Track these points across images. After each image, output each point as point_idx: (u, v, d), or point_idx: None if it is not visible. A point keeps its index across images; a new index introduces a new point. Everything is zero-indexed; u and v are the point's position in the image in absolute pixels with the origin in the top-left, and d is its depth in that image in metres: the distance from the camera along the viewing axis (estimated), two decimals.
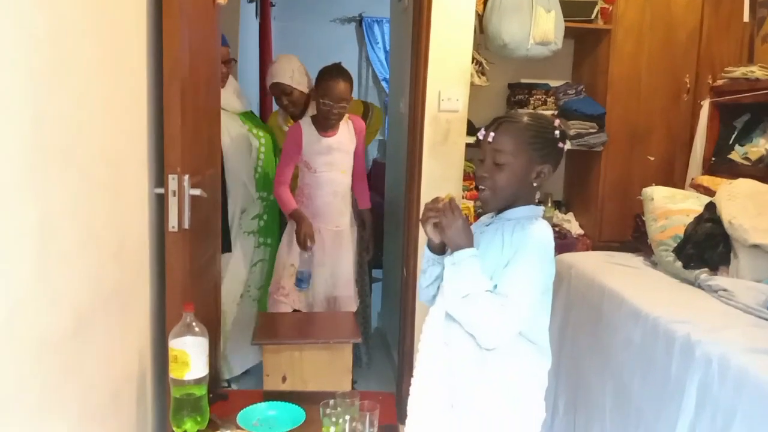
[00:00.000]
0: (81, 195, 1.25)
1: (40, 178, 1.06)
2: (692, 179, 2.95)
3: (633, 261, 2.62)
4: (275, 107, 3.32)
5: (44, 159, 1.08)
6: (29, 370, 1.04)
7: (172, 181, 1.69)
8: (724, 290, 2.05)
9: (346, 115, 2.91)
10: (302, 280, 2.75)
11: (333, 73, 2.80)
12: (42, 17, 1.06)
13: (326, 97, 2.76)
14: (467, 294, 1.38)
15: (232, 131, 2.97)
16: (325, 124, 2.85)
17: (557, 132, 1.49)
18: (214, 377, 1.77)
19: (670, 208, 2.49)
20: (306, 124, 2.87)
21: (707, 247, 2.25)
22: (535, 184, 1.50)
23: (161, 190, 1.72)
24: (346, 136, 2.90)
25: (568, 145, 1.53)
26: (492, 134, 1.48)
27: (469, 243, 1.43)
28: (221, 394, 1.93)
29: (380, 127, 3.75)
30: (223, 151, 2.84)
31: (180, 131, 1.69)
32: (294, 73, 3.06)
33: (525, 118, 1.52)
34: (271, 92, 3.13)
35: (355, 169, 2.99)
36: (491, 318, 1.36)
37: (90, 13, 1.28)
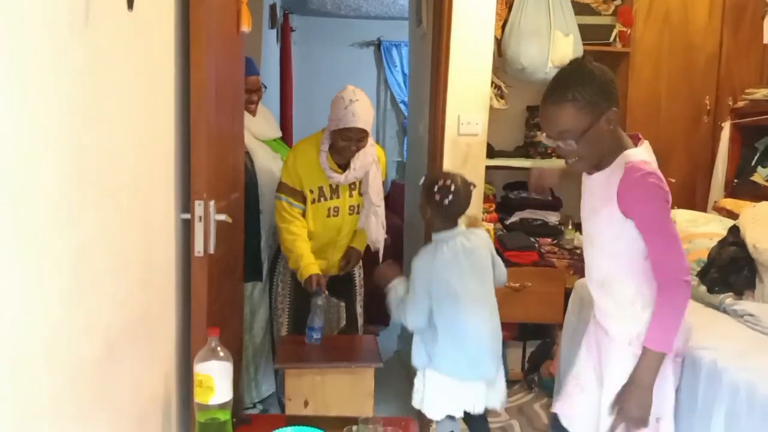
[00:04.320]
0: (113, 223, 1.28)
1: (76, 208, 1.09)
2: (715, 202, 2.93)
3: None
4: (324, 150, 2.53)
5: (81, 188, 1.11)
6: (64, 395, 1.06)
7: (198, 207, 1.72)
8: (750, 315, 2.02)
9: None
10: (313, 330, 2.38)
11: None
12: (80, 50, 1.10)
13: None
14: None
15: (265, 161, 2.91)
16: None
17: (437, 195, 2.05)
18: (237, 400, 1.78)
19: (693, 231, 2.47)
20: None
21: (731, 271, 2.22)
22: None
23: (187, 216, 1.75)
24: None
25: (447, 200, 2.05)
26: None
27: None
28: (244, 419, 1.93)
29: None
30: (258, 180, 2.81)
31: (206, 158, 1.73)
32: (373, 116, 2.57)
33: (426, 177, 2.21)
34: (343, 136, 2.44)
35: None
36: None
37: (124, 45, 1.32)
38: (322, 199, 2.58)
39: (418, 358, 2.17)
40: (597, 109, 1.51)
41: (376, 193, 2.60)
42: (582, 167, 1.64)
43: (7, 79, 0.86)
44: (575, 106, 1.51)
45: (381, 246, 2.71)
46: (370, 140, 2.58)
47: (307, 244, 2.55)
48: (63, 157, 1.04)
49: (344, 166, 2.54)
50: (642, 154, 1.58)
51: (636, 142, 1.64)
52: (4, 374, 0.87)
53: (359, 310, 2.84)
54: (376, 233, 2.64)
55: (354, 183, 2.60)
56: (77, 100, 1.09)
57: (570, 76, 1.55)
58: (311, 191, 2.56)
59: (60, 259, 1.04)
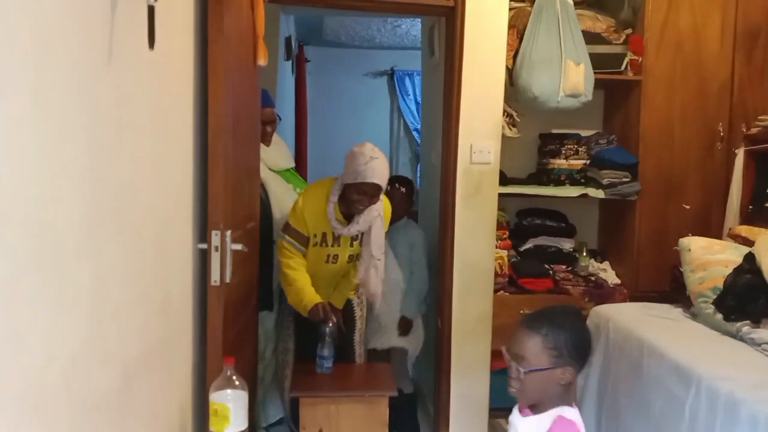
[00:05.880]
0: (133, 254, 1.30)
1: (97, 240, 1.12)
2: (730, 229, 2.92)
3: (672, 313, 2.58)
4: (333, 201, 2.56)
5: (102, 221, 1.14)
6: (84, 424, 1.08)
7: (215, 237, 1.74)
8: None
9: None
10: (324, 358, 2.41)
11: None
12: (104, 87, 1.13)
13: None
14: None
15: (277, 190, 2.95)
16: None
17: None
18: (251, 428, 1.78)
19: (708, 259, 2.46)
20: None
21: (748, 299, 2.21)
22: None
23: (204, 246, 1.77)
24: None
25: None
26: None
27: None
28: None
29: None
30: (271, 211, 2.85)
31: (223, 189, 1.76)
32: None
33: None
34: (359, 189, 2.47)
35: None
36: None
37: (145, 81, 1.36)
38: (323, 244, 2.61)
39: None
40: (560, 359, 1.47)
41: (377, 247, 2.62)
42: (520, 398, 1.55)
43: (32, 115, 0.89)
44: (543, 342, 1.47)
45: (378, 300, 2.73)
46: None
47: (307, 278, 2.57)
48: (85, 191, 1.07)
49: (349, 217, 2.57)
50: (575, 415, 1.52)
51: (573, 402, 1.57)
52: (26, 403, 0.89)
53: (357, 338, 2.83)
54: (375, 287, 2.66)
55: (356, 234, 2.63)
56: (100, 135, 1.12)
57: (557, 316, 1.53)
58: (315, 235, 2.59)
59: (80, 290, 1.06)
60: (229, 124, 1.81)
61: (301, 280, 2.55)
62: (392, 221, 2.76)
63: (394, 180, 2.73)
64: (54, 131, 0.95)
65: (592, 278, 3.26)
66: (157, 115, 1.46)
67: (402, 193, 3.14)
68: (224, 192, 1.76)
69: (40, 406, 0.93)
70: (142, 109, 1.35)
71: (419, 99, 6.35)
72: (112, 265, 1.20)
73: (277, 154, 3.04)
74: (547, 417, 1.49)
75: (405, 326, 3.15)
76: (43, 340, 0.93)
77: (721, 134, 3.18)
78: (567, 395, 1.50)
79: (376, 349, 3.06)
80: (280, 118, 3.10)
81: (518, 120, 3.20)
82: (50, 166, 0.95)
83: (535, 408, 1.51)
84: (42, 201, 0.92)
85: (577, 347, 1.48)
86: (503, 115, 3.03)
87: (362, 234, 2.61)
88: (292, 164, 3.25)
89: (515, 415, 1.56)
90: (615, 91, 3.40)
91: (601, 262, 3.41)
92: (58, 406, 0.99)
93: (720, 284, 2.33)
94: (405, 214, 3.23)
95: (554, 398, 1.49)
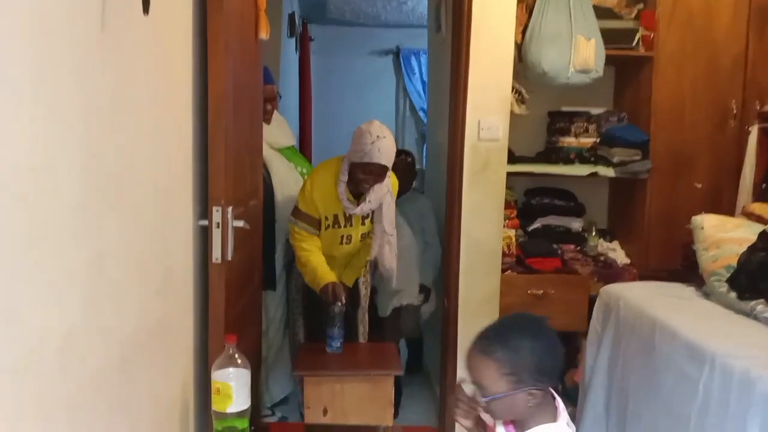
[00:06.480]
0: (132, 231, 1.27)
1: (95, 216, 1.08)
2: (743, 207, 2.86)
3: (684, 291, 2.53)
4: (343, 181, 2.53)
5: (99, 197, 1.10)
6: (81, 403, 1.05)
7: (216, 213, 1.71)
8: None
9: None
10: (333, 338, 2.38)
11: None
12: (98, 57, 1.09)
13: None
14: None
15: (279, 169, 2.93)
16: None
17: None
18: (255, 407, 1.76)
19: (721, 236, 2.41)
20: None
21: (762, 277, 2.16)
22: None
23: (205, 222, 1.74)
24: None
25: None
26: None
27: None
28: (263, 426, 1.91)
29: None
30: (274, 189, 2.83)
31: (224, 165, 1.72)
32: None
33: None
34: (365, 169, 2.46)
35: None
36: None
37: (141, 50, 1.31)
38: (336, 226, 2.60)
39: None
40: (520, 383, 1.25)
41: (389, 223, 2.61)
42: (495, 419, 1.37)
43: (26, 88, 0.85)
44: (498, 368, 1.26)
45: (394, 274, 2.71)
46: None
47: (320, 257, 2.57)
48: (81, 165, 1.03)
49: (358, 195, 2.55)
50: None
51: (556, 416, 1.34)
52: (22, 381, 0.86)
53: (360, 316, 2.84)
54: (390, 262, 2.66)
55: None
56: (95, 107, 1.08)
57: (512, 335, 1.29)
58: (326, 218, 2.58)
59: (77, 267, 1.03)
60: (229, 99, 1.77)
61: (315, 260, 2.55)
62: (400, 192, 2.76)
63: (397, 152, 2.69)
64: (47, 102, 0.92)
65: (601, 258, 3.22)
66: (154, 86, 1.41)
67: (407, 162, 3.27)
68: (225, 167, 1.73)
69: (36, 385, 0.90)
70: (139, 78, 1.30)
71: (425, 78, 6.27)
72: (111, 241, 1.16)
73: (278, 131, 3.01)
74: None
75: (425, 294, 3.28)
76: (37, 318, 0.90)
77: (734, 111, 3.11)
78: (546, 411, 1.32)
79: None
80: (280, 96, 3.06)
81: (527, 97, 3.14)
82: (45, 139, 0.91)
83: (517, 424, 1.35)
84: (37, 176, 0.89)
85: (539, 368, 1.26)
86: (512, 91, 2.97)
87: (373, 211, 2.60)
88: (293, 142, 3.22)
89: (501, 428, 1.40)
90: (626, 67, 3.32)
91: (610, 242, 3.36)
92: (54, 385, 0.96)
93: (733, 262, 2.28)
94: (411, 184, 3.38)
95: (532, 416, 1.30)
